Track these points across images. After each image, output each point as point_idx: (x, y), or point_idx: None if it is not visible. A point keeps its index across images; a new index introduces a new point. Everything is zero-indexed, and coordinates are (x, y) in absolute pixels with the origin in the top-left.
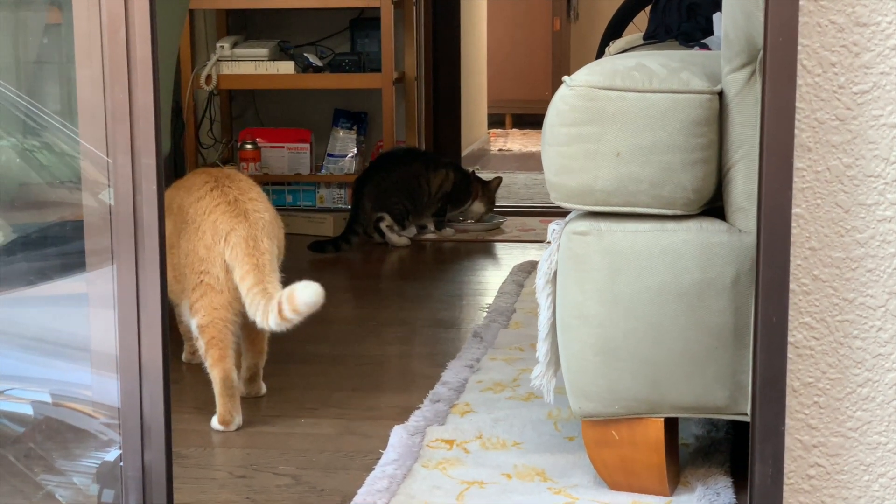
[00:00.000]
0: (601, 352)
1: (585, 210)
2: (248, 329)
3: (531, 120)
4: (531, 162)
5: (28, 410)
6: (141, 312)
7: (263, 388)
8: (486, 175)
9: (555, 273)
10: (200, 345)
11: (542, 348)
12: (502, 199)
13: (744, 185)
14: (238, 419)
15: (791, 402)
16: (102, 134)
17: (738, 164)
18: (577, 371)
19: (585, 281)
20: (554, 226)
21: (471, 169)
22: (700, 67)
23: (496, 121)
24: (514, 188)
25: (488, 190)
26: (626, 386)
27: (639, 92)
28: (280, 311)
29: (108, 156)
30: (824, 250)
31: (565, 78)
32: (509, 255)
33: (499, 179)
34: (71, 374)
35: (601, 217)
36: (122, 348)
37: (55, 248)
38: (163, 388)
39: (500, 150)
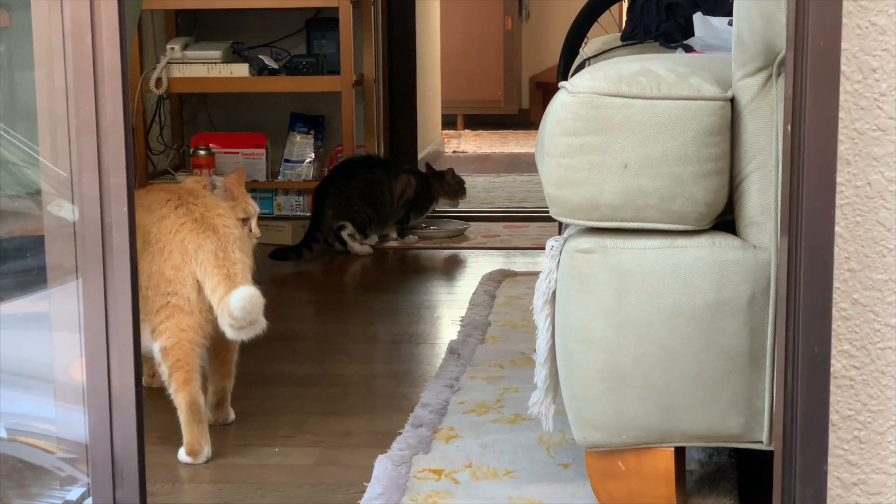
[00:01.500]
0: (608, 378)
1: (590, 226)
2: (215, 351)
3: (483, 120)
4: (487, 164)
5: None
6: (111, 341)
7: (232, 415)
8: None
9: (554, 293)
10: (164, 369)
11: (541, 373)
12: (463, 204)
13: (758, 198)
14: (207, 449)
15: (830, 437)
16: (65, 149)
17: (751, 176)
18: (581, 399)
19: (590, 302)
20: (552, 242)
21: (427, 166)
22: (708, 72)
23: (448, 121)
24: (472, 192)
25: (446, 183)
26: (634, 414)
27: (647, 99)
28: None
29: (71, 174)
30: (865, 272)
31: (565, 84)
32: (476, 264)
33: (450, 170)
34: (29, 406)
35: (606, 233)
36: (91, 378)
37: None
38: (136, 422)
39: (454, 151)
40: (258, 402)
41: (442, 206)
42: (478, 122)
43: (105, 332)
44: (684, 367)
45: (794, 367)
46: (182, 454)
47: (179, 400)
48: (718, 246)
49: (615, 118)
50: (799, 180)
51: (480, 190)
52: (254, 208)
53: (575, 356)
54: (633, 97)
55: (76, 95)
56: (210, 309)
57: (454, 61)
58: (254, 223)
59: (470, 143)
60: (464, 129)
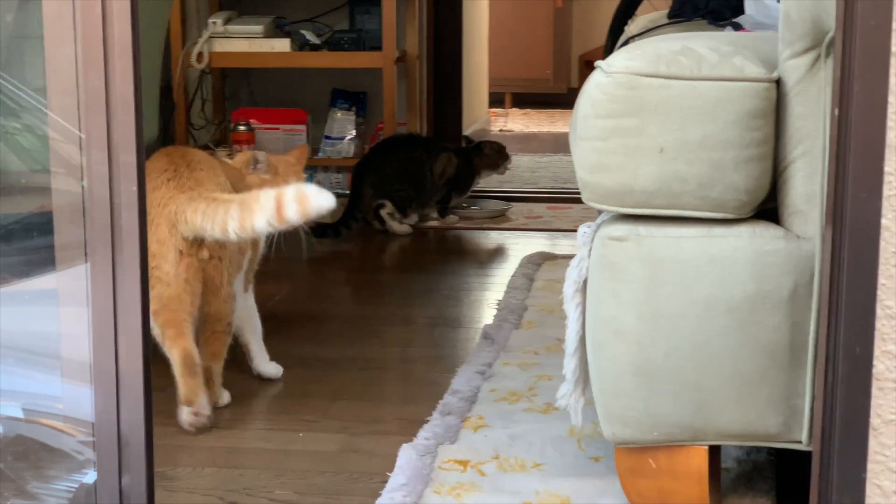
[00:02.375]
0: (639, 372)
1: (623, 212)
2: (202, 330)
3: (531, 99)
4: (533, 143)
5: None
6: (119, 322)
7: (225, 397)
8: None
9: (585, 282)
10: (156, 332)
11: (570, 365)
12: (506, 182)
13: (803, 186)
14: (204, 400)
15: (870, 442)
16: (76, 127)
17: (797, 162)
18: (611, 393)
19: (622, 292)
20: (584, 228)
21: (465, 139)
22: (753, 51)
23: (496, 100)
24: (517, 171)
25: (485, 155)
26: (666, 411)
27: (686, 80)
28: (279, 210)
29: (81, 152)
30: None
31: (601, 63)
32: (516, 245)
33: (486, 141)
34: (46, 386)
35: (640, 220)
36: (98, 360)
37: (34, 240)
38: (143, 404)
39: (500, 130)
40: (286, 384)
41: (487, 178)
42: (526, 100)
43: (113, 313)
44: (719, 363)
45: (834, 367)
46: (183, 414)
47: (174, 355)
48: (759, 236)
49: (652, 100)
50: (844, 168)
51: (525, 170)
52: None
53: (605, 348)
54: (671, 77)
55: (85, 69)
56: (190, 283)
57: (503, 39)
58: None
59: (517, 122)
60: (511, 107)
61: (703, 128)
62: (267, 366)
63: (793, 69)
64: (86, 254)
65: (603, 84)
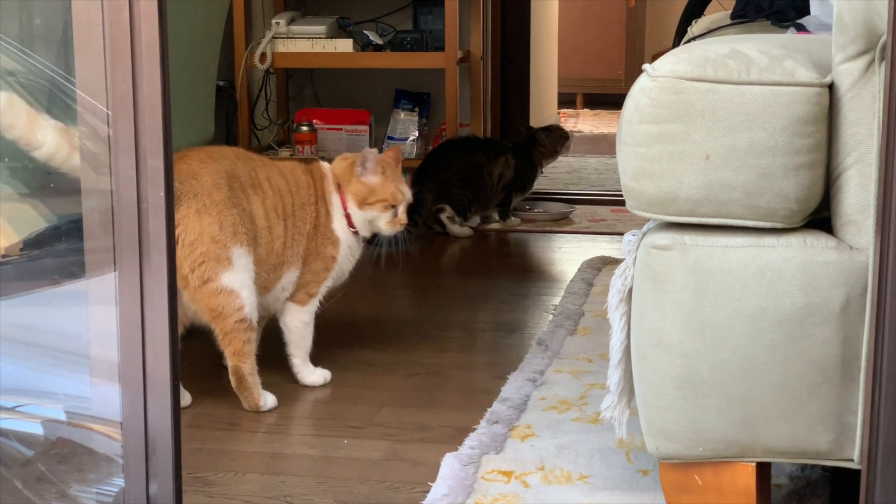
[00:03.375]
0: (684, 385)
1: (668, 220)
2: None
3: (603, 100)
4: (603, 144)
5: (38, 430)
6: (146, 329)
7: (269, 401)
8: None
9: (630, 291)
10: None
11: (614, 376)
12: (571, 185)
13: (857, 195)
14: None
15: None
16: (104, 131)
17: (850, 170)
18: (655, 407)
19: (666, 303)
20: (629, 236)
21: (523, 129)
22: (806, 55)
23: (566, 100)
24: (584, 173)
25: (542, 145)
26: (712, 425)
27: (734, 84)
28: None
29: (109, 156)
30: None
31: (647, 66)
32: (578, 249)
33: (542, 128)
34: (89, 388)
35: (686, 229)
36: (125, 368)
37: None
38: (171, 409)
39: (570, 131)
40: (334, 389)
41: (553, 177)
42: (597, 101)
43: (141, 319)
44: (768, 377)
45: (879, 385)
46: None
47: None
48: (810, 246)
49: (698, 105)
50: (893, 176)
51: (592, 171)
52: (403, 195)
53: (648, 360)
54: (718, 82)
55: (112, 72)
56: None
57: (574, 38)
58: (401, 209)
59: (587, 123)
60: (583, 108)
61: (751, 134)
62: (311, 377)
63: (846, 73)
64: (114, 259)
65: (647, 88)
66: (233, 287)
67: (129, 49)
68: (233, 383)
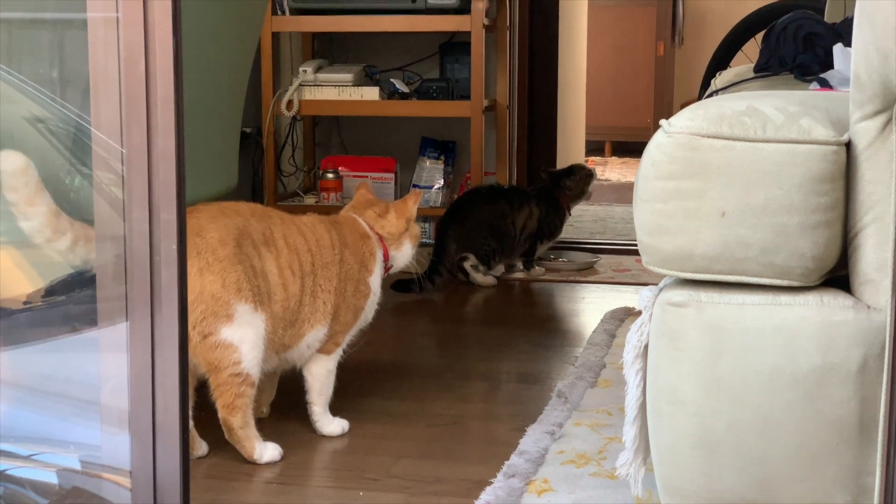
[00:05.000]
0: (699, 444)
1: (683, 277)
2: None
3: (631, 148)
4: (630, 193)
5: (53, 479)
6: (156, 381)
7: (266, 453)
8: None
9: (646, 347)
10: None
11: (630, 432)
12: (597, 234)
13: (874, 254)
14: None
15: None
16: (118, 183)
17: (867, 229)
18: (669, 465)
19: (681, 360)
20: (646, 292)
21: (543, 174)
22: (823, 112)
23: (595, 148)
24: (609, 222)
25: (567, 188)
26: (728, 485)
27: (749, 141)
28: None
29: (123, 208)
30: None
31: (663, 122)
32: (601, 299)
33: (565, 172)
34: (106, 438)
35: (701, 286)
36: (134, 420)
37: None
38: (180, 459)
39: (597, 179)
40: (352, 439)
41: (579, 226)
42: (626, 149)
43: (151, 370)
44: (784, 437)
45: (892, 449)
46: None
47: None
48: (827, 305)
49: (713, 162)
50: None
51: (618, 221)
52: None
53: (664, 417)
54: (734, 139)
55: (128, 125)
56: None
57: (602, 87)
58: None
59: (615, 171)
60: (611, 155)
61: (767, 191)
62: (329, 426)
63: (863, 132)
64: (126, 310)
65: (663, 144)
66: (231, 341)
67: (144, 103)
68: (225, 434)
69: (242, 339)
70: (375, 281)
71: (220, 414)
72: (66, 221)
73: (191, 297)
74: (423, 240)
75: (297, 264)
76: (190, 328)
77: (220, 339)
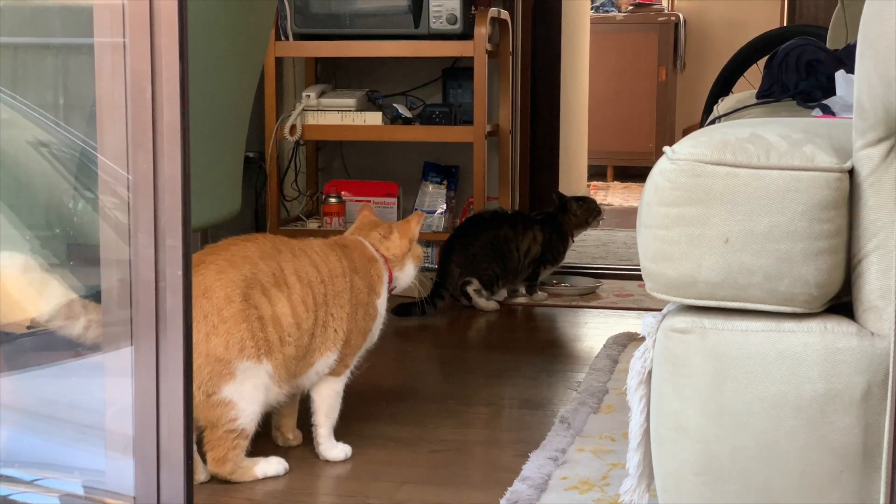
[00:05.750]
0: (703, 471)
1: (687, 304)
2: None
3: (634, 172)
4: (632, 218)
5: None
6: (161, 407)
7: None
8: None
9: (650, 373)
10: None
11: (633, 459)
12: (599, 259)
13: (878, 281)
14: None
15: None
16: (123, 208)
17: (871, 256)
18: (673, 491)
19: (685, 387)
20: (650, 318)
21: (555, 196)
22: (826, 139)
23: (597, 172)
24: (612, 247)
25: (573, 214)
26: None
27: (753, 168)
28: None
29: (129, 234)
30: None
31: (667, 149)
32: (604, 324)
33: (575, 199)
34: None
35: (705, 312)
36: (139, 446)
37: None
38: (184, 485)
39: (599, 203)
40: (355, 464)
41: (581, 252)
42: (628, 174)
43: (156, 395)
44: (788, 464)
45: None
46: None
47: None
48: (830, 332)
49: (717, 188)
50: None
51: (620, 245)
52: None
53: (667, 444)
54: (737, 166)
55: (134, 151)
56: None
57: (605, 112)
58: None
59: (617, 196)
60: (613, 180)
61: (770, 218)
62: (332, 451)
63: (866, 159)
64: (131, 335)
65: (667, 171)
66: (232, 398)
67: (150, 129)
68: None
69: (242, 396)
70: (382, 303)
71: (210, 466)
72: (78, 306)
73: (198, 360)
74: (427, 264)
75: (310, 298)
76: (195, 388)
77: (222, 397)
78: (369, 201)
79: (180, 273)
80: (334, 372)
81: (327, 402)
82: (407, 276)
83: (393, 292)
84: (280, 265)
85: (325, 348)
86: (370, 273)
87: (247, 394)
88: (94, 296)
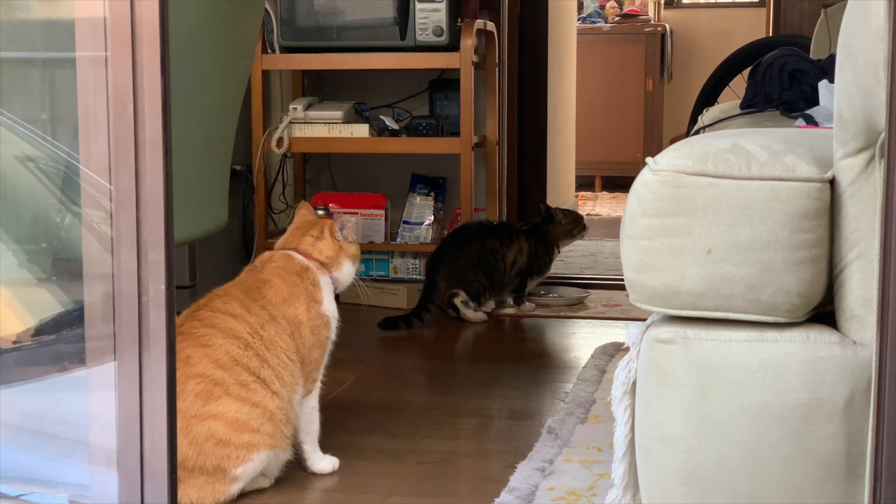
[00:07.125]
0: (687, 481)
1: (670, 314)
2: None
3: (622, 182)
4: (620, 228)
5: None
6: (144, 424)
7: None
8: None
9: (634, 383)
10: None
11: (619, 469)
12: (587, 269)
13: (860, 290)
14: None
15: None
16: (108, 221)
17: (852, 265)
18: (658, 501)
19: (669, 397)
20: (634, 329)
21: (542, 206)
22: (808, 150)
23: (585, 183)
24: (600, 257)
25: (559, 224)
26: None
27: (734, 179)
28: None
29: (112, 248)
30: None
31: (649, 160)
32: (592, 335)
33: (557, 209)
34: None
35: (688, 322)
36: (122, 461)
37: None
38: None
39: (588, 214)
40: (343, 477)
41: (566, 249)
42: (616, 183)
43: (139, 410)
44: (772, 473)
45: (879, 485)
46: None
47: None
48: (813, 341)
49: (699, 199)
50: (890, 275)
51: (609, 255)
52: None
53: (652, 454)
54: (718, 177)
55: (116, 166)
56: None
57: (592, 122)
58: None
59: (605, 206)
60: (601, 190)
61: (752, 228)
62: (319, 464)
63: (847, 169)
64: (114, 350)
65: (649, 182)
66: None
67: (132, 145)
68: None
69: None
70: (329, 306)
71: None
72: None
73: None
74: (414, 276)
75: (245, 374)
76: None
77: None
78: (357, 213)
79: (163, 287)
80: (305, 391)
81: (304, 419)
82: (346, 275)
83: (336, 292)
84: (202, 371)
85: (290, 390)
86: (303, 286)
87: None
88: (82, 311)
